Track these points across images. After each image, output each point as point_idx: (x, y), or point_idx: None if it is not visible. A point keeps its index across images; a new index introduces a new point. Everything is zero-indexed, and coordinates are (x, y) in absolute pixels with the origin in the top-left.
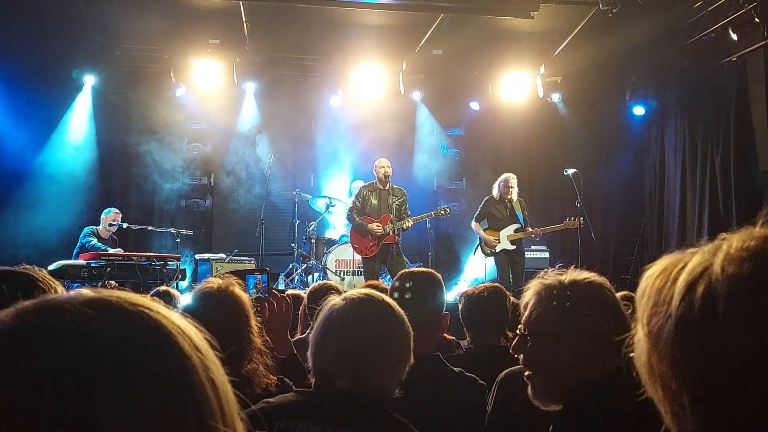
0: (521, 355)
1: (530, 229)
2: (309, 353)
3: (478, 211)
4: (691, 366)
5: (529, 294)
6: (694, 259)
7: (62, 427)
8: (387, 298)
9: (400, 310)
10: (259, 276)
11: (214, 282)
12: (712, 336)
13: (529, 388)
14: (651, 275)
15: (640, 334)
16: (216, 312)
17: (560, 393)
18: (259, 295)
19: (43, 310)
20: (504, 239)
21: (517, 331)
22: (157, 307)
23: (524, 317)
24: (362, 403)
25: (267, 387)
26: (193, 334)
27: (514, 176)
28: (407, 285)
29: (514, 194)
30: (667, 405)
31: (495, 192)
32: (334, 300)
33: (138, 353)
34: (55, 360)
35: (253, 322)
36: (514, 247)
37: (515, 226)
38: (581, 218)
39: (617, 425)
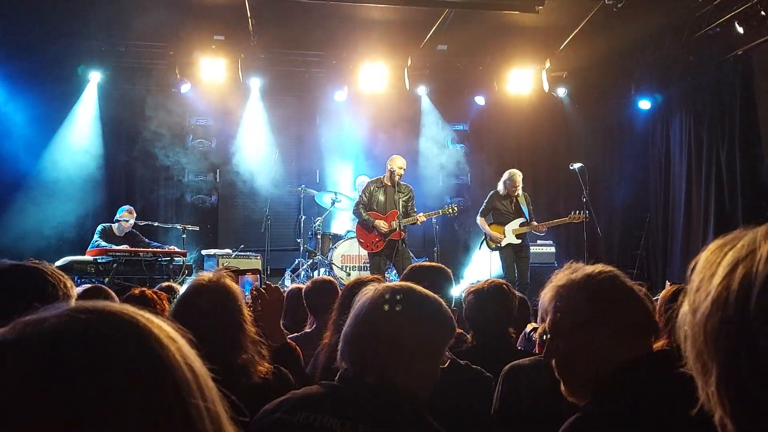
0: (553, 360)
1: (535, 224)
2: (340, 345)
3: (483, 206)
4: (720, 346)
5: (547, 298)
6: (746, 238)
7: (51, 424)
8: (429, 293)
9: (446, 309)
10: (254, 277)
11: (206, 275)
12: (742, 321)
13: (563, 386)
14: (708, 249)
15: (685, 307)
16: (209, 303)
17: (595, 384)
18: (253, 289)
19: (23, 324)
20: (509, 234)
21: (544, 338)
22: (129, 307)
23: (548, 322)
24: (386, 400)
25: (264, 376)
26: (167, 326)
27: (520, 172)
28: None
29: (520, 189)
30: (701, 380)
31: (500, 188)
32: (372, 289)
33: (117, 347)
34: (37, 362)
35: (246, 312)
36: (519, 241)
37: (520, 220)
38: (587, 213)
39: (649, 408)
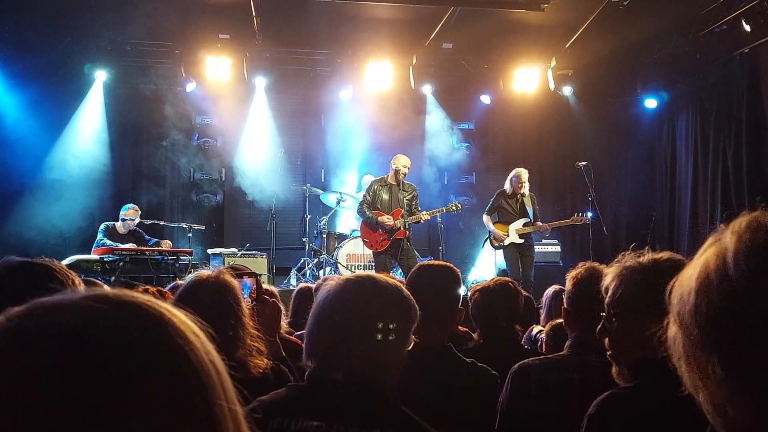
0: (606, 339)
1: (539, 224)
2: (304, 343)
3: (489, 205)
4: (715, 331)
5: (609, 277)
6: (706, 250)
7: (75, 418)
8: (390, 280)
9: (405, 293)
10: (252, 280)
11: (205, 272)
12: (730, 296)
13: (614, 368)
14: (678, 276)
15: (673, 329)
16: (208, 297)
17: (640, 368)
18: (254, 301)
19: (41, 310)
20: (513, 233)
21: (601, 314)
22: (152, 299)
23: (607, 299)
24: (358, 395)
25: (263, 371)
26: (190, 321)
27: (526, 172)
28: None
29: (526, 189)
30: (704, 387)
31: (507, 187)
32: (331, 283)
33: (143, 341)
34: (61, 354)
35: (245, 307)
36: (522, 240)
37: (524, 220)
38: (592, 211)
39: (682, 403)
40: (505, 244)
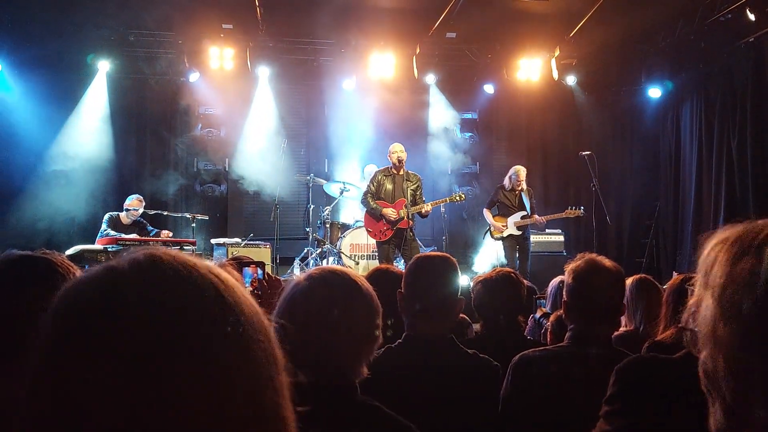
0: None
1: (536, 217)
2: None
3: (489, 199)
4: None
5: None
6: None
7: (183, 357)
8: (352, 273)
9: (368, 286)
10: (254, 268)
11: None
12: None
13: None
14: (722, 244)
15: (708, 302)
16: None
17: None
18: (255, 290)
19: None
20: (511, 225)
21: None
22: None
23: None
24: (327, 395)
25: None
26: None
27: (524, 169)
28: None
29: (524, 184)
30: (725, 375)
31: (506, 182)
32: (297, 279)
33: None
34: (176, 301)
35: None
36: (520, 232)
37: (522, 213)
38: (582, 208)
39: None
40: (504, 235)
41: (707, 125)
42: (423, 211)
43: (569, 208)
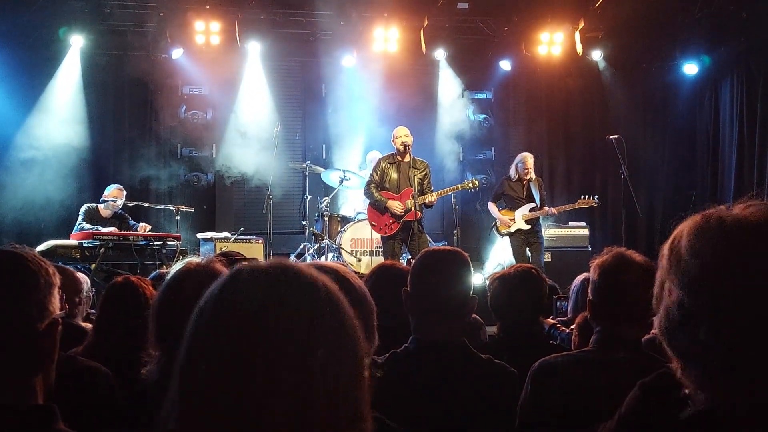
0: None
1: (546, 208)
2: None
3: (494, 192)
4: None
5: None
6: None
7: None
8: (304, 268)
9: (331, 287)
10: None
11: (194, 261)
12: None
13: None
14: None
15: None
16: (195, 288)
17: None
18: None
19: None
20: (519, 219)
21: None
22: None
23: None
24: None
25: None
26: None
27: (532, 156)
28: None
29: (532, 174)
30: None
31: (512, 172)
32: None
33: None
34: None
35: None
36: (529, 227)
37: (531, 205)
38: (597, 197)
39: None
40: (512, 230)
41: (749, 106)
42: (427, 201)
43: (582, 197)
